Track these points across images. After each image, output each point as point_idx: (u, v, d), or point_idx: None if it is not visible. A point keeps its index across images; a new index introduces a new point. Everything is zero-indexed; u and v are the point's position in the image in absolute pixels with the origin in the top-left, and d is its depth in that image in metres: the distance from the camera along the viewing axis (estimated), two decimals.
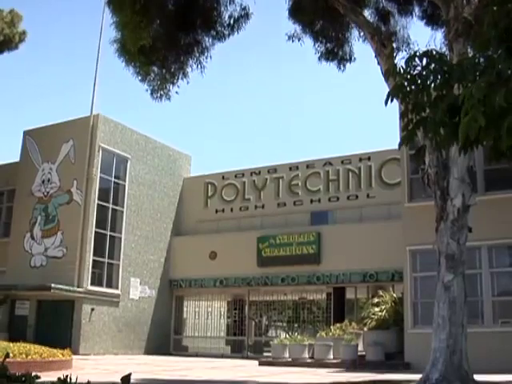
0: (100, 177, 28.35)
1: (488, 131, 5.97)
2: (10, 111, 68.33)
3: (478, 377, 12.01)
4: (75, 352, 22.00)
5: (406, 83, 7.29)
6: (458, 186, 12.52)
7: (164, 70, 18.69)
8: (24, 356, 14.89)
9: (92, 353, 26.18)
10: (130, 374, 2.83)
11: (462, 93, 6.26)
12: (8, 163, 32.08)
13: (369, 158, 28.08)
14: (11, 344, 16.24)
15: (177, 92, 19.12)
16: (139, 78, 18.65)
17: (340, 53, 18.77)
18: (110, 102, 66.34)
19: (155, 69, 18.61)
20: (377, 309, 21.49)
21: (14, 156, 32.10)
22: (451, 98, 6.65)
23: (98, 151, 28.32)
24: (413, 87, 7.25)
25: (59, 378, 2.78)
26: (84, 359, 21.87)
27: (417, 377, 12.53)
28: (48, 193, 28.85)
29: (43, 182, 29.17)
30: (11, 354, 14.12)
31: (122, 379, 2.81)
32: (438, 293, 12.33)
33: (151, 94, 18.86)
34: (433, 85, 7.16)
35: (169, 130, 72.10)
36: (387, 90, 7.46)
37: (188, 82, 19.17)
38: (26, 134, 30.69)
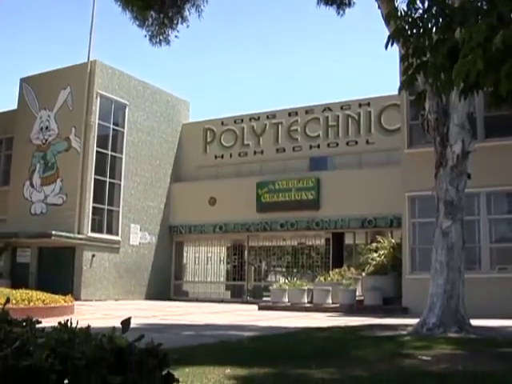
0: (98, 123, 28.17)
1: (487, 76, 5.89)
2: (7, 58, 67.61)
3: (474, 321, 12.18)
4: (77, 298, 22.24)
5: (406, 27, 7.17)
6: (458, 132, 12.48)
7: (162, 15, 18.44)
8: (26, 302, 15.06)
9: (93, 299, 26.48)
10: (129, 318, 2.84)
11: (462, 35, 6.15)
12: (6, 111, 31.84)
13: (368, 104, 27.88)
14: (14, 291, 16.41)
15: (176, 36, 18.91)
16: (137, 23, 18.40)
17: None
18: (108, 48, 65.60)
19: (153, 13, 18.35)
20: (375, 254, 21.65)
21: (11, 104, 31.85)
22: (452, 42, 6.54)
23: (96, 98, 28.08)
24: (414, 31, 7.13)
25: (60, 323, 2.79)
26: (85, 305, 22.13)
27: (414, 321, 12.70)
28: (46, 140, 28.73)
29: (41, 129, 29.01)
30: (14, 301, 14.30)
31: (122, 323, 2.82)
32: (437, 239, 12.41)
33: (150, 39, 18.64)
34: (434, 28, 7.04)
35: (167, 76, 71.51)
36: (387, 33, 7.32)
37: (188, 26, 18.95)
38: (23, 81, 30.37)
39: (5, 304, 3.12)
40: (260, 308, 22.23)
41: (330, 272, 23.62)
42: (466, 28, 6.17)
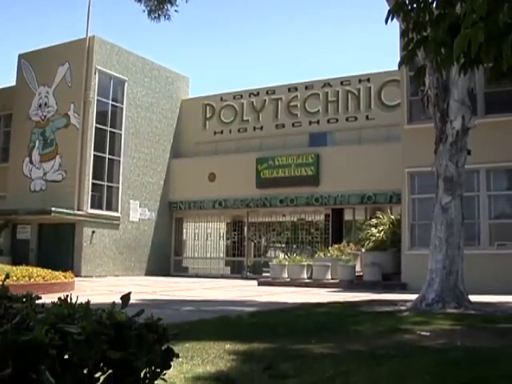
0: (97, 100, 28.06)
1: (488, 50, 5.85)
2: (5, 35, 67.13)
3: (472, 297, 12.23)
4: (77, 274, 22.30)
5: (407, 1, 7.11)
6: (458, 108, 12.43)
7: None
8: (27, 279, 15.12)
9: (94, 275, 26.58)
10: (129, 293, 2.85)
11: (463, 9, 6.10)
12: (4, 87, 31.67)
13: (368, 80, 27.74)
14: (14, 267, 16.46)
15: (176, 11, 18.73)
16: None
17: None
18: (107, 24, 65.09)
19: None
20: (374, 230, 21.69)
21: (9, 80, 31.70)
22: (453, 17, 6.48)
23: (95, 74, 27.92)
24: (414, 5, 7.07)
25: (59, 298, 2.80)
26: (86, 281, 22.22)
27: (413, 297, 12.76)
28: (45, 117, 28.63)
29: (40, 105, 28.89)
30: (14, 277, 14.36)
31: (122, 298, 2.83)
32: (436, 214, 12.42)
33: (149, 14, 18.47)
34: (434, 3, 6.98)
35: (166, 52, 71.05)
36: (388, 8, 7.26)
37: (187, 1, 18.79)
38: (22, 57, 30.15)
39: (4, 280, 3.13)
40: (260, 283, 22.33)
41: (330, 248, 23.69)
42: (467, 2, 6.12)
